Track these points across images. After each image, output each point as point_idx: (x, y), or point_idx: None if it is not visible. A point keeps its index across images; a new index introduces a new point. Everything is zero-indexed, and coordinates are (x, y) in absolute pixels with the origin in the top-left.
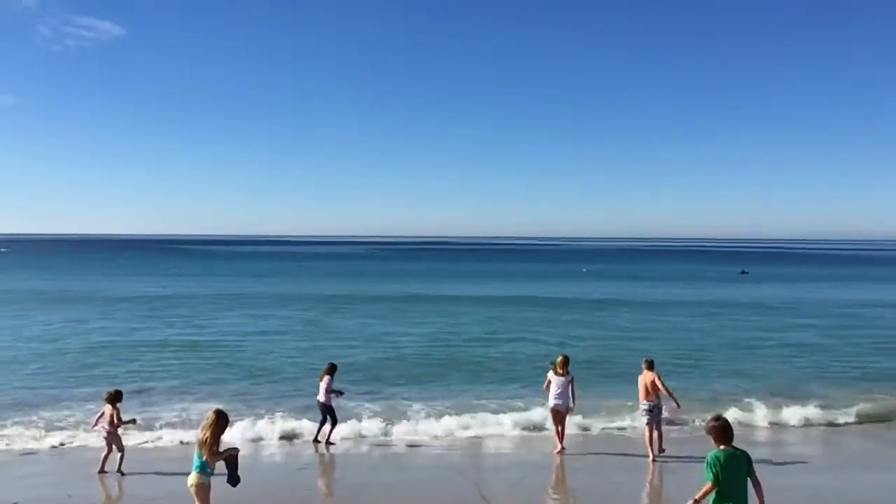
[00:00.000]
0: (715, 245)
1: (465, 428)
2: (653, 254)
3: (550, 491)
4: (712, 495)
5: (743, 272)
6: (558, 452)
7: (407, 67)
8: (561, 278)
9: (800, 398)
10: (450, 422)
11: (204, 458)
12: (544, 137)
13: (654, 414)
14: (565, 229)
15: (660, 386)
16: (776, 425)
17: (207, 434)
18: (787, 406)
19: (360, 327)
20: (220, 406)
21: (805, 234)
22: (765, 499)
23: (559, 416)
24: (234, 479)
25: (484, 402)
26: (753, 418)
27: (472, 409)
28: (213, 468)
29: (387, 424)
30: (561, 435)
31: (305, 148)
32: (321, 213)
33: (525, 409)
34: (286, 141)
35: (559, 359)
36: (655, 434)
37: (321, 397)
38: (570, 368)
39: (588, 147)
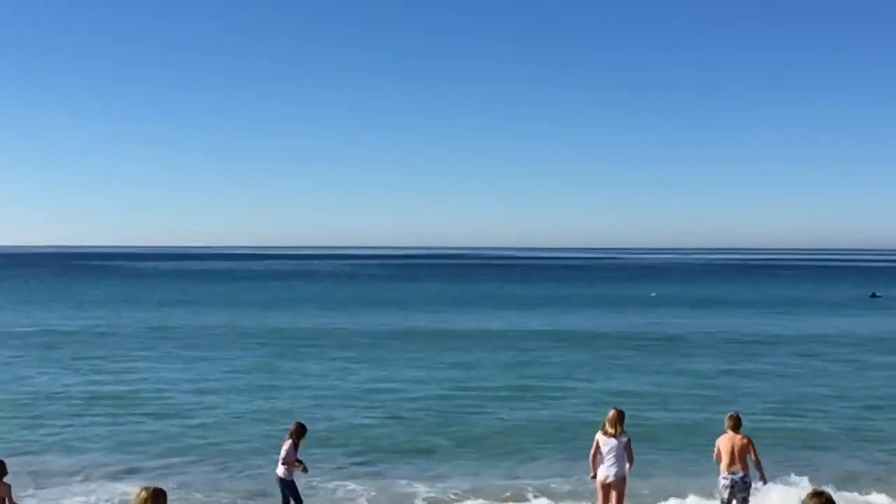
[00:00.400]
0: (829, 257)
1: None
2: (744, 270)
3: None
4: None
5: (874, 295)
6: None
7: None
8: (618, 306)
9: None
10: None
11: None
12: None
13: (738, 489)
14: (618, 239)
15: (752, 452)
16: None
17: None
18: None
19: (336, 375)
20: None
21: None
22: None
23: (611, 490)
24: None
25: (515, 481)
26: None
27: (498, 494)
28: None
29: None
30: None
31: (262, 131)
32: (289, 218)
33: (573, 492)
34: (237, 121)
35: (611, 414)
36: None
37: (280, 470)
38: (625, 427)
39: (645, 125)
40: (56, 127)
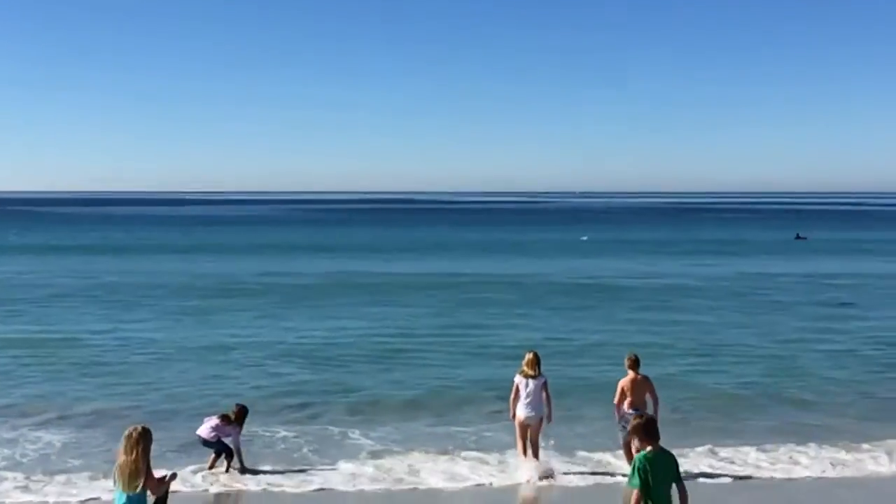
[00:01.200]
0: (753, 201)
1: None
2: (671, 214)
3: None
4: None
5: (798, 237)
6: (528, 481)
7: None
8: (550, 251)
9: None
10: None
11: (136, 490)
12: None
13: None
14: (559, 182)
15: (651, 391)
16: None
17: (135, 456)
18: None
19: (268, 323)
20: None
21: (870, 186)
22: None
23: (530, 430)
24: None
25: (451, 429)
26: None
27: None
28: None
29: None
30: (535, 454)
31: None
32: (233, 161)
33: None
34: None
35: (528, 356)
36: None
37: (204, 431)
38: (542, 369)
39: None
40: None
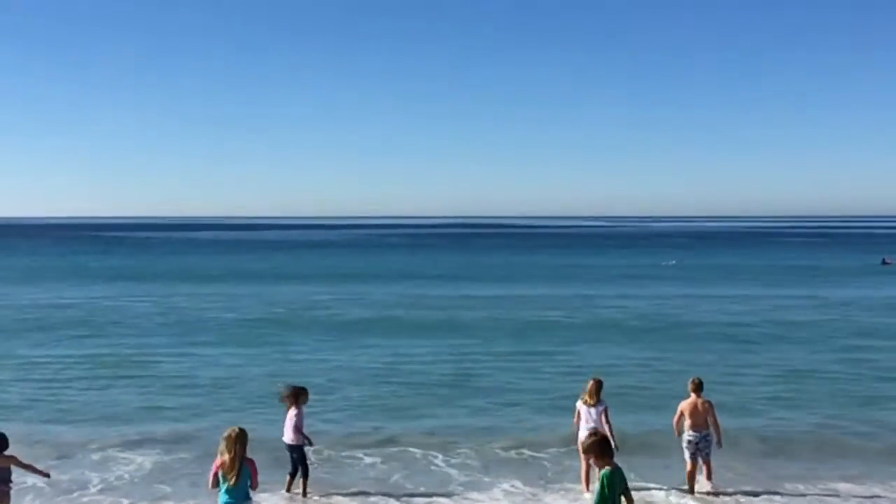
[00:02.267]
0: (840, 224)
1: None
2: (738, 238)
3: None
4: None
5: (885, 262)
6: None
7: None
8: (637, 278)
9: None
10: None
11: (235, 484)
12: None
13: (702, 447)
14: (617, 207)
15: (711, 415)
16: None
17: (233, 454)
18: None
19: (340, 346)
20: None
21: None
22: None
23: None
24: None
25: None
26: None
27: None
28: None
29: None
30: None
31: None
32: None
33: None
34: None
35: (589, 384)
36: (704, 471)
37: (288, 437)
38: (603, 396)
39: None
40: None
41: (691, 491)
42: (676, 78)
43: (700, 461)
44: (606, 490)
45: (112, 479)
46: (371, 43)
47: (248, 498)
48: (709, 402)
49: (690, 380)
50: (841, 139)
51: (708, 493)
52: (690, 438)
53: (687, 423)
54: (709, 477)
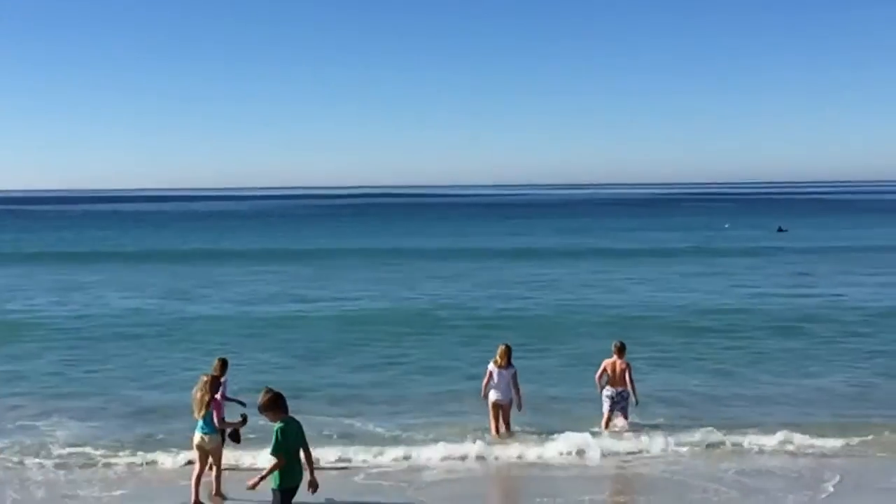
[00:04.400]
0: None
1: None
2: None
3: None
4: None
5: (780, 229)
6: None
7: None
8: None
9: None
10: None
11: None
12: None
13: (617, 401)
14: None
15: (628, 378)
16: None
17: (201, 393)
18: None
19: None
20: None
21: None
22: (313, 463)
23: (501, 410)
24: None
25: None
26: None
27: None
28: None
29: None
30: (507, 428)
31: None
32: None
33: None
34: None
35: (500, 349)
36: (621, 421)
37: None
38: (512, 361)
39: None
40: None
41: (605, 427)
42: None
43: (617, 413)
44: (280, 438)
45: None
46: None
47: (214, 431)
48: (627, 364)
49: (614, 343)
50: None
51: (621, 430)
52: (609, 394)
53: (607, 380)
54: (626, 420)
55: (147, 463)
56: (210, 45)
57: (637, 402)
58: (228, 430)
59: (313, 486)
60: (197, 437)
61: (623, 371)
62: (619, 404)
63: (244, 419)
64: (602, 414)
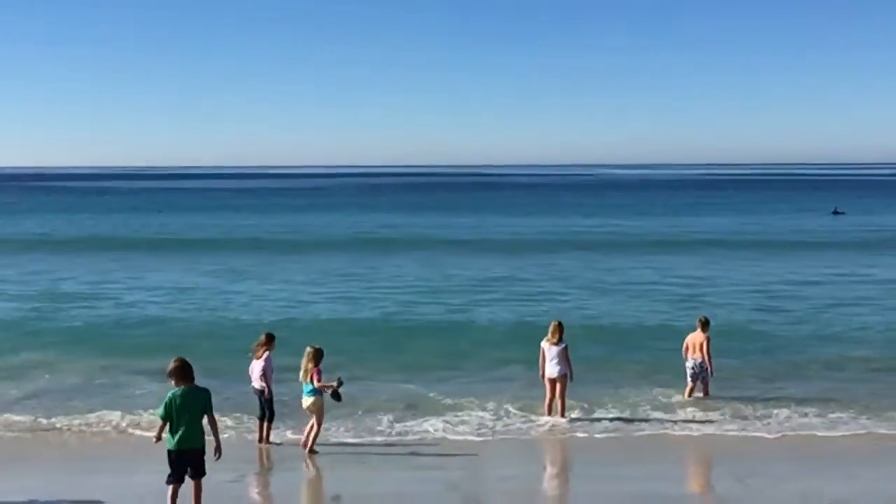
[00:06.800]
0: (782, 173)
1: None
2: (701, 185)
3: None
4: (173, 432)
5: (836, 212)
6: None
7: None
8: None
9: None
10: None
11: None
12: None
13: (699, 373)
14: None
15: (705, 347)
16: None
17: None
18: None
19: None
20: None
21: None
22: (219, 435)
23: (555, 385)
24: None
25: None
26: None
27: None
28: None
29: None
30: (561, 407)
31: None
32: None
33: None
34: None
35: (552, 325)
36: (703, 389)
37: (257, 383)
38: (565, 336)
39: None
40: None
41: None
42: None
43: (699, 383)
44: (167, 406)
45: None
46: None
47: (315, 393)
48: (707, 337)
49: (698, 318)
50: None
51: (701, 398)
52: (689, 364)
53: (688, 352)
54: (706, 394)
55: None
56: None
57: (712, 374)
58: (329, 392)
59: (217, 451)
60: (303, 399)
61: (702, 344)
62: (700, 375)
63: (339, 382)
64: (686, 384)
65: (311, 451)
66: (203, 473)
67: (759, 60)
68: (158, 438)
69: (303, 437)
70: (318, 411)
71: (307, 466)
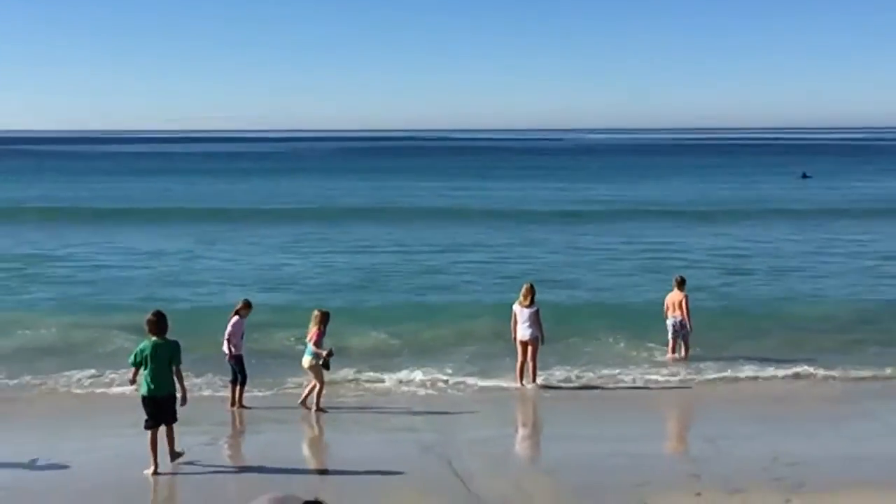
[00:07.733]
0: (748, 136)
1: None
2: (667, 150)
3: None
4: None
5: (804, 176)
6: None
7: None
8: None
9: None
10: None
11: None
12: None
13: (679, 330)
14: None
15: (684, 305)
16: None
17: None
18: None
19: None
20: None
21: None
22: (184, 384)
23: (527, 347)
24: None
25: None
26: None
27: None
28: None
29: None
30: (533, 370)
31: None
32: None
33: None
34: None
35: (524, 287)
36: (683, 348)
37: (225, 347)
38: (535, 299)
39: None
40: None
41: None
42: None
43: (680, 341)
44: (138, 355)
45: None
46: None
47: (312, 354)
48: (685, 295)
49: (674, 277)
50: None
51: (683, 358)
52: (670, 322)
53: (668, 311)
54: (686, 351)
55: None
56: None
57: (691, 330)
58: (320, 360)
59: (183, 399)
60: (303, 358)
61: (680, 302)
62: (681, 333)
63: (330, 352)
64: (668, 342)
65: (319, 410)
66: (175, 419)
67: (728, 22)
68: (132, 382)
69: (302, 394)
70: (314, 371)
71: (288, 429)
